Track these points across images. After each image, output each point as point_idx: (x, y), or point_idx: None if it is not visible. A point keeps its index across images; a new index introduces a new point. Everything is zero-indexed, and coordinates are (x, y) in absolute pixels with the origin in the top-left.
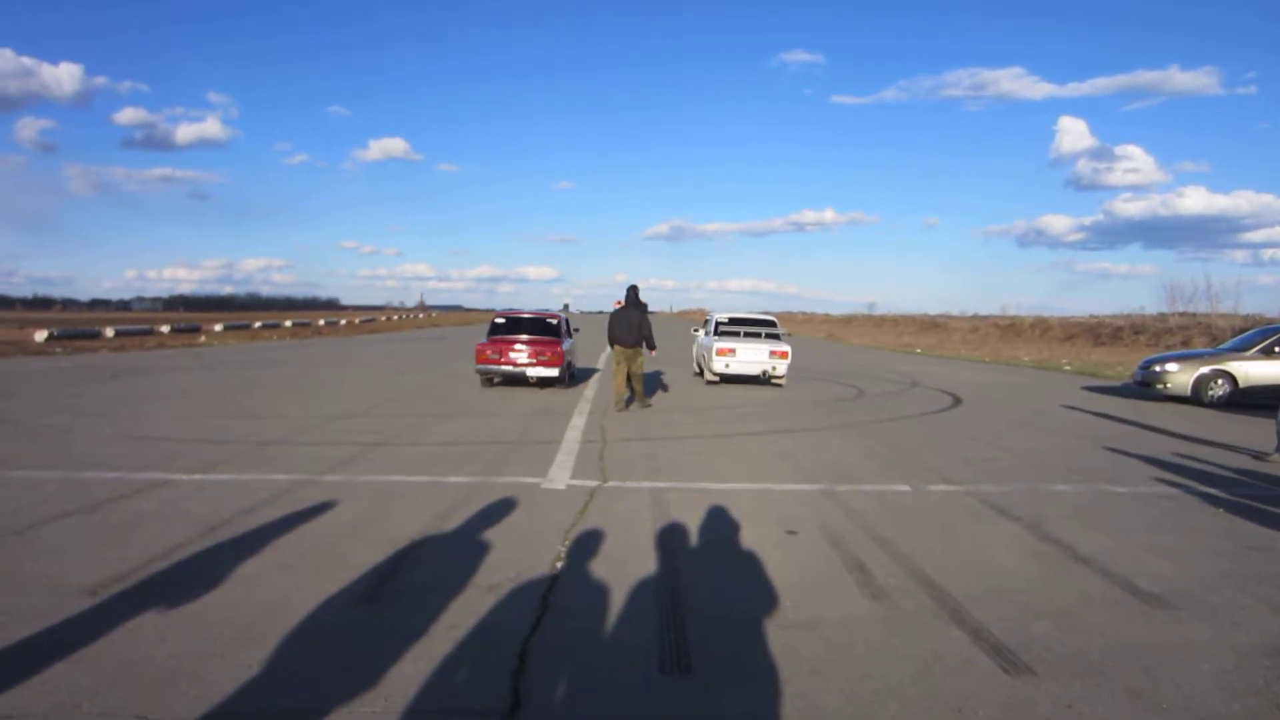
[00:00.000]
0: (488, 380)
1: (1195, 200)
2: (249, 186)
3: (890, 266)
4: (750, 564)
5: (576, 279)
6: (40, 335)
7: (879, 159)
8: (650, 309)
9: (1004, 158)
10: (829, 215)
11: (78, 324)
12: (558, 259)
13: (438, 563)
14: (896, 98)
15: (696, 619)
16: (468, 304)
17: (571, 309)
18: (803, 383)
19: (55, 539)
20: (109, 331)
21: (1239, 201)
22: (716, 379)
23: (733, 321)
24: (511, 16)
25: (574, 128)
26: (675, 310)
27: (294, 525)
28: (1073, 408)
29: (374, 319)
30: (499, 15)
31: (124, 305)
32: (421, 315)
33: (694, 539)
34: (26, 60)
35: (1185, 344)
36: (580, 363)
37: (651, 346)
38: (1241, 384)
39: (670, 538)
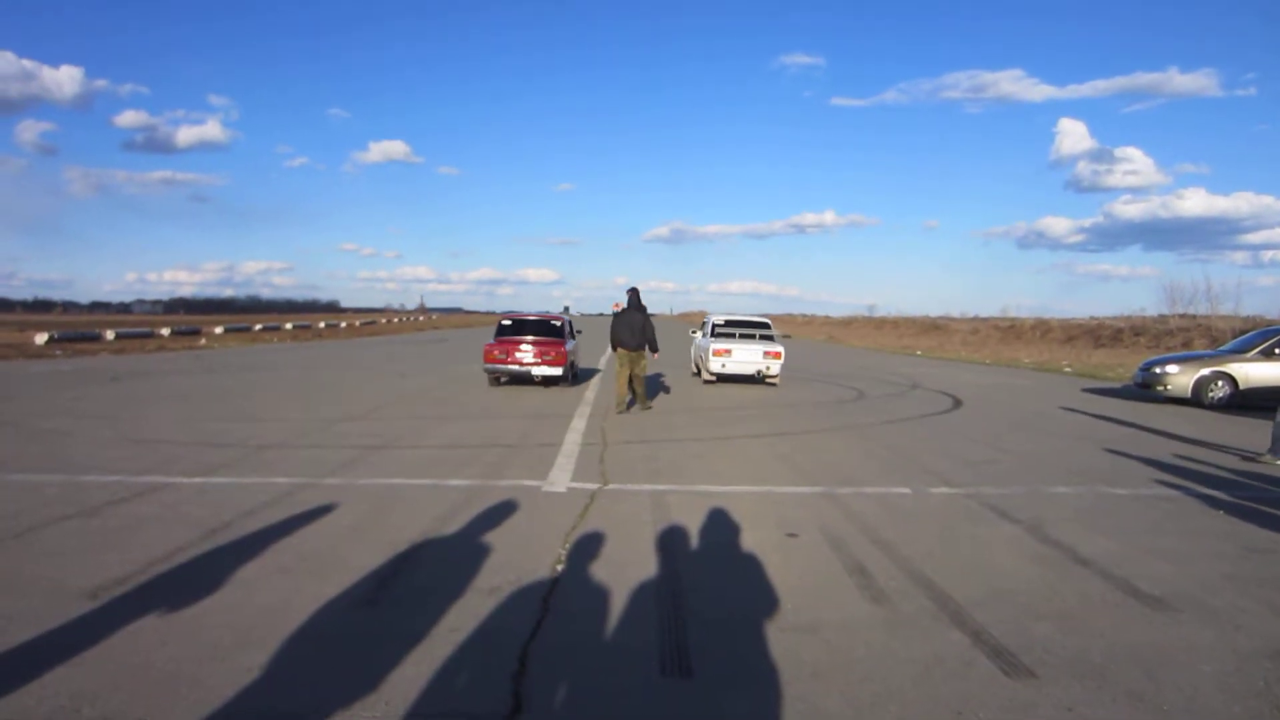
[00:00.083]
0: (495, 379)
1: (1195, 202)
2: (249, 189)
3: (890, 268)
4: (751, 567)
5: (577, 281)
6: (41, 338)
7: (879, 161)
8: (650, 311)
9: (1004, 160)
10: (829, 217)
11: (78, 327)
12: (558, 261)
13: (438, 566)
14: (896, 100)
15: (697, 622)
16: (468, 306)
17: (572, 311)
18: (803, 384)
19: (55, 542)
20: (109, 334)
21: (1239, 203)
22: (713, 378)
23: (728, 324)
24: (511, 18)
25: (574, 130)
26: (675, 313)
27: (294, 528)
28: (1073, 410)
29: (374, 321)
30: (499, 17)
31: (124, 308)
32: (422, 318)
33: (694, 542)
34: (27, 63)
35: (1185, 346)
36: (582, 363)
37: (655, 349)
38: (1242, 386)
39: (671, 540)
